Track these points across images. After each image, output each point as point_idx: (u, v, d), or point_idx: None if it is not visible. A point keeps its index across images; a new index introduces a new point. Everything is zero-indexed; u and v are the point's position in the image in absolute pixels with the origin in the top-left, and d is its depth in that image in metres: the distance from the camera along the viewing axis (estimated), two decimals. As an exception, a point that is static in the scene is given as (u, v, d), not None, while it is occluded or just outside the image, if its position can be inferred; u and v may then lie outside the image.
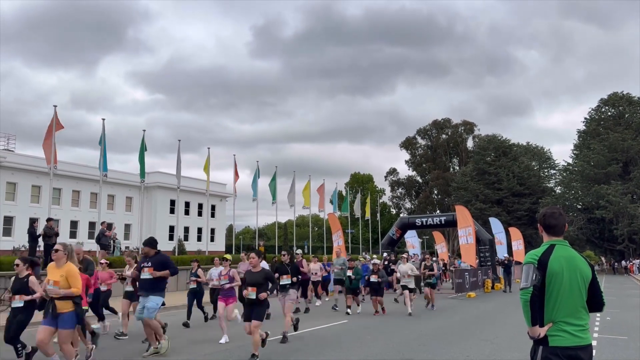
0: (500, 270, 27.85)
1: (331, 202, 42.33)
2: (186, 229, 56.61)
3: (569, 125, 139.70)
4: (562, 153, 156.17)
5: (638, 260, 50.31)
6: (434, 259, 23.79)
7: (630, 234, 51.23)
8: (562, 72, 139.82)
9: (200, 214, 57.83)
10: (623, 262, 56.59)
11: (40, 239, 18.40)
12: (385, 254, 27.12)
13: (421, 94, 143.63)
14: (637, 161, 54.37)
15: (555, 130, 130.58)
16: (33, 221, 20.83)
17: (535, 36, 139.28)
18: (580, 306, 3.56)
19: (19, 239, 37.31)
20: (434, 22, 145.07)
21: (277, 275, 10.49)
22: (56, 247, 6.98)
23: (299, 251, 15.97)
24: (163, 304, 8.78)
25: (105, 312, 11.55)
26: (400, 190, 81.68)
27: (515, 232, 42.11)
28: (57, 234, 18.56)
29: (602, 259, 67.31)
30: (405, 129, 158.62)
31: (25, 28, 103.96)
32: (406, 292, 15.04)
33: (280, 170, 36.89)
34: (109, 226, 21.21)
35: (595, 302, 3.64)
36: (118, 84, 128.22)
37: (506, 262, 26.57)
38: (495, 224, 37.94)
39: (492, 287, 26.05)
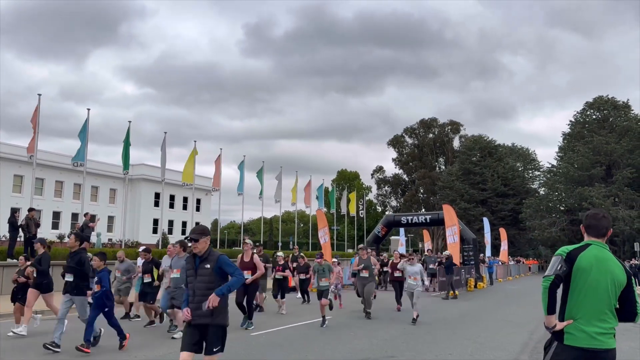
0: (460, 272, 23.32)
1: (317, 198, 42.30)
2: (170, 222, 56.25)
3: (552, 130, 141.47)
4: (544, 156, 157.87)
5: (618, 263, 51.09)
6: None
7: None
8: (546, 78, 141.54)
9: (185, 207, 57.51)
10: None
11: (20, 230, 18.11)
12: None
13: (410, 96, 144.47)
14: (620, 164, 55.09)
15: (538, 134, 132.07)
16: (14, 211, 20.48)
17: (521, 43, 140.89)
18: (607, 309, 3.46)
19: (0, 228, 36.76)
20: (425, 26, 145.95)
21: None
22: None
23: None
24: None
25: None
26: (386, 188, 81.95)
27: (502, 232, 42.86)
28: (37, 225, 18.27)
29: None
30: (394, 129, 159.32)
31: (19, 20, 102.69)
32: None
33: (268, 166, 36.72)
34: (92, 218, 20.90)
35: (626, 310, 3.53)
36: (108, 78, 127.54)
37: (443, 261, 22.29)
38: (486, 224, 38.72)
39: (475, 286, 26.26)
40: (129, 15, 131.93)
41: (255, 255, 11.23)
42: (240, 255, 11.43)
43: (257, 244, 15.03)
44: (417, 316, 12.63)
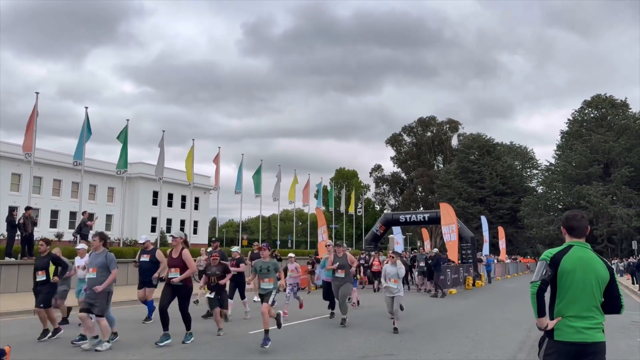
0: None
1: (316, 196, 42.30)
2: (169, 221, 56.19)
3: (550, 129, 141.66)
4: (542, 155, 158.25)
5: (616, 261, 51.17)
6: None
7: (609, 234, 52.06)
8: (544, 77, 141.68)
9: (183, 206, 57.48)
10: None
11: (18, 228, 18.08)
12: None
13: (408, 95, 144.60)
14: (617, 163, 55.20)
15: (536, 132, 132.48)
16: (12, 210, 20.46)
17: (520, 43, 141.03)
18: (593, 305, 3.61)
19: (-3, 227, 36.67)
20: (424, 25, 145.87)
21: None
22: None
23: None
24: None
25: None
26: (384, 186, 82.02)
27: (500, 230, 42.98)
28: (35, 224, 18.24)
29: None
30: (392, 128, 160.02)
31: (18, 19, 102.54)
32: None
33: (266, 165, 36.77)
34: (91, 216, 20.85)
35: (612, 304, 3.70)
36: (106, 77, 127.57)
37: (429, 260, 21.39)
38: (484, 222, 38.77)
39: (473, 284, 26.28)
40: (127, 14, 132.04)
41: (185, 251, 8.94)
42: (169, 251, 9.36)
43: (214, 239, 13.71)
44: (396, 326, 10.77)
